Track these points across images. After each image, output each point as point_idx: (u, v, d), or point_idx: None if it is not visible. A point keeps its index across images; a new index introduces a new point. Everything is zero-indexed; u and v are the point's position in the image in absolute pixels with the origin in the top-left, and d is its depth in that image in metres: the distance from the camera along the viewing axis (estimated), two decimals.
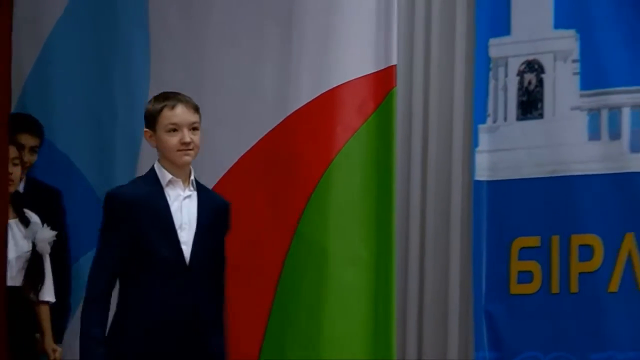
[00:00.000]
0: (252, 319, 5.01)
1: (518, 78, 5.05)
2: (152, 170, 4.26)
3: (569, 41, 4.92)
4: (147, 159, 5.13)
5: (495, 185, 5.01)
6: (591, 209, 4.77)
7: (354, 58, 4.89)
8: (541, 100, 4.99)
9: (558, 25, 4.96)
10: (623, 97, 4.80)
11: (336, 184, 4.83)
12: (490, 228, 5.00)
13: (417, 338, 5.34)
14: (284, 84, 5.05)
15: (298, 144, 4.97)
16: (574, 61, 4.91)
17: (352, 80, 4.87)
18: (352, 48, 4.92)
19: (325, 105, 4.91)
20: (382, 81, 4.85)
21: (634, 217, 4.68)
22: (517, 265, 4.92)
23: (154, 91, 5.06)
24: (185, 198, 4.22)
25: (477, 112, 5.11)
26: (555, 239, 4.80)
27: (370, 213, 4.82)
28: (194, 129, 4.23)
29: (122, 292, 4.20)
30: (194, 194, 4.26)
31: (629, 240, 4.64)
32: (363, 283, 4.78)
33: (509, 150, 4.97)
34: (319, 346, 4.82)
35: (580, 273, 4.75)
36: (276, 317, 5.02)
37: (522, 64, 5.05)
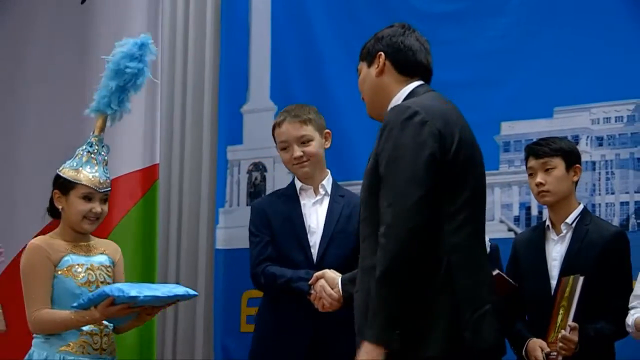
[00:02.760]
0: None
1: (248, 175, 5.42)
2: (292, 180, 4.16)
3: None
4: None
5: (230, 253, 5.38)
6: None
7: (128, 158, 5.30)
8: (264, 191, 5.38)
9: None
10: None
11: None
12: (226, 284, 5.37)
13: None
14: None
15: None
16: None
17: (126, 173, 5.30)
18: (126, 150, 5.30)
19: None
20: (148, 175, 5.33)
21: None
22: (246, 311, 5.27)
23: None
24: (314, 203, 4.08)
25: (219, 199, 5.51)
26: None
27: (138, 270, 5.18)
28: (305, 141, 4.01)
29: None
30: (326, 199, 4.08)
31: None
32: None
33: (240, 227, 5.12)
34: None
35: None
36: None
37: (251, 164, 5.43)
